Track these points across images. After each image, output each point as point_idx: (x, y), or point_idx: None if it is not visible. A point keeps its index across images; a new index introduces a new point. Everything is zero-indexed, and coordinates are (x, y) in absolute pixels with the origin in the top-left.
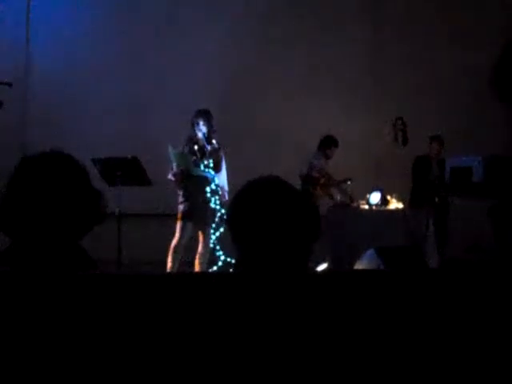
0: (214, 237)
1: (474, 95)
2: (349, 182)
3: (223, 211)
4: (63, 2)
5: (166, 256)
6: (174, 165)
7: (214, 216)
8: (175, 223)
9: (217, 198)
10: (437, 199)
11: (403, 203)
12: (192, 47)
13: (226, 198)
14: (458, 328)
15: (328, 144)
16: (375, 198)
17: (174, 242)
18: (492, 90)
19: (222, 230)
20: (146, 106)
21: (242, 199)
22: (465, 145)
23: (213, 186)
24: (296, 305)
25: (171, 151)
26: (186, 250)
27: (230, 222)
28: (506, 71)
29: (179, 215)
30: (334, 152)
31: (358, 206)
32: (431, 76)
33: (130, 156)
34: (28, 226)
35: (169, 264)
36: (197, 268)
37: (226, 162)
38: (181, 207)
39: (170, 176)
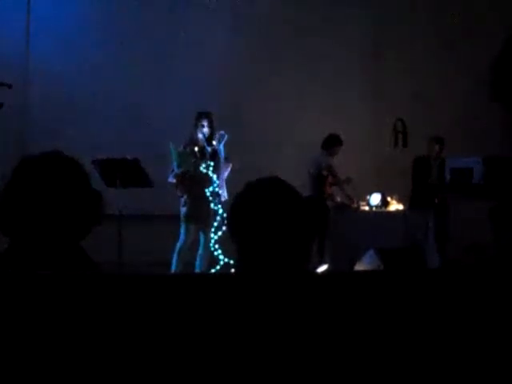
0: (214, 238)
1: (473, 95)
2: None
3: (223, 212)
4: (63, 2)
5: (167, 257)
6: (175, 165)
7: (215, 217)
8: (176, 224)
9: (217, 199)
10: (437, 200)
11: (403, 204)
12: (192, 47)
13: (226, 197)
14: (457, 329)
15: (332, 143)
16: (375, 199)
17: (179, 244)
18: (490, 89)
19: (222, 231)
20: (146, 107)
21: (241, 200)
22: (465, 145)
23: (213, 188)
24: (296, 306)
25: (172, 148)
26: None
27: (230, 223)
28: (504, 71)
29: (182, 218)
30: (339, 150)
31: (359, 207)
32: (431, 76)
33: (130, 157)
34: (27, 227)
35: (173, 265)
36: (197, 269)
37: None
38: (183, 210)
39: (170, 179)
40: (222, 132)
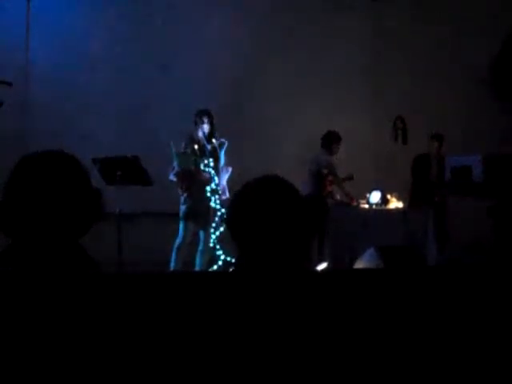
0: (213, 236)
1: (473, 95)
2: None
3: (223, 210)
4: (63, 1)
5: (167, 255)
6: (175, 164)
7: (214, 215)
8: (176, 222)
9: (217, 197)
10: (436, 198)
11: (403, 202)
12: (192, 47)
13: (227, 195)
14: (457, 327)
15: (330, 140)
16: (375, 197)
17: (178, 241)
18: (489, 89)
19: (221, 229)
20: (146, 106)
21: (241, 198)
22: (464, 144)
23: (213, 186)
24: (296, 303)
25: (173, 149)
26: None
27: (229, 220)
28: (504, 71)
29: (181, 215)
30: (338, 149)
31: (358, 205)
32: (431, 75)
33: (130, 155)
34: (28, 225)
35: (172, 263)
36: (197, 267)
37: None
38: (182, 207)
39: (171, 177)
40: (223, 139)
